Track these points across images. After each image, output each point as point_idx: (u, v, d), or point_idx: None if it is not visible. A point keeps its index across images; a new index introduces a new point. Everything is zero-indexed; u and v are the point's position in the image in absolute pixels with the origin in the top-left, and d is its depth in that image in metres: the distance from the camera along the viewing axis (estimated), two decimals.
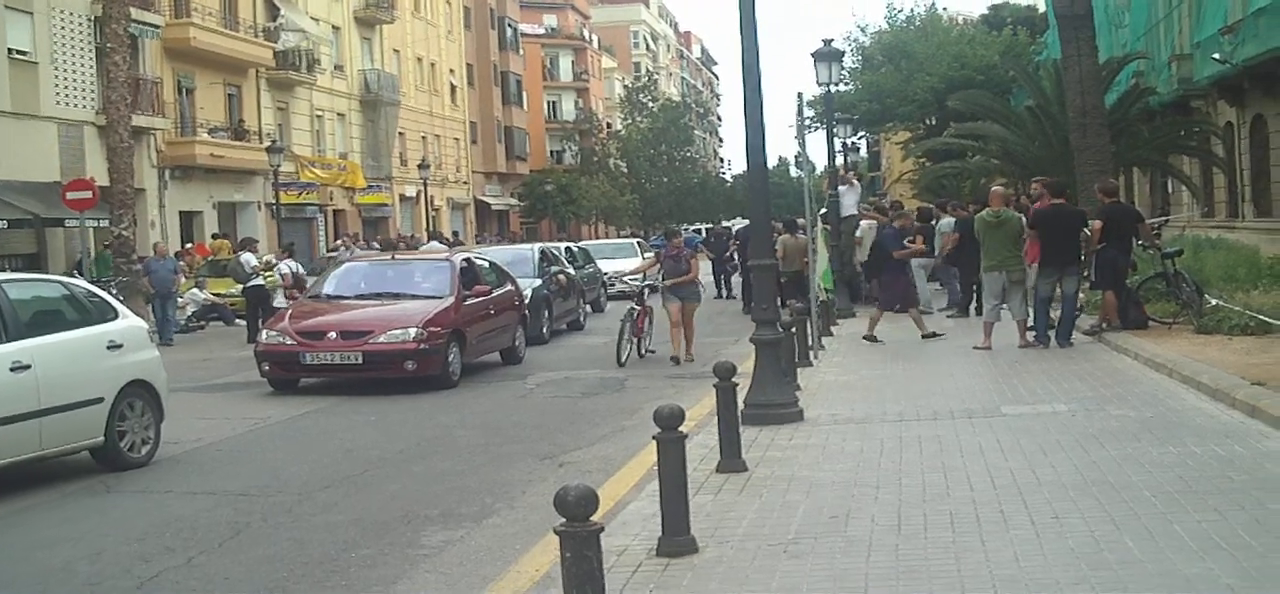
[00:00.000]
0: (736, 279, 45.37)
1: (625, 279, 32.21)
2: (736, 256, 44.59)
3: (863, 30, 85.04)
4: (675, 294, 26.71)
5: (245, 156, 62.14)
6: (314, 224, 71.84)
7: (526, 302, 29.99)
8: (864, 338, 26.08)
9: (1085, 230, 23.83)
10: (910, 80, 73.91)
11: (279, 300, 33.02)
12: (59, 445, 15.52)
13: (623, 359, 26.26)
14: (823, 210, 35.26)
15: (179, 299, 38.88)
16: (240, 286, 36.90)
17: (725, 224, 66.80)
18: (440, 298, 25.16)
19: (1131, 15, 53.08)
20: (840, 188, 37.20)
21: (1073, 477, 11.91)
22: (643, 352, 27.74)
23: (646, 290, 28.49)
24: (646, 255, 45.63)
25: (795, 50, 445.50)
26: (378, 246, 57.25)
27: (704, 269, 34.33)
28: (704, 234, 62.89)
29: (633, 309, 27.58)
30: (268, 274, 36.56)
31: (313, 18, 72.82)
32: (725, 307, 42.00)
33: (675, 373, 24.44)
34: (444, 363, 23.92)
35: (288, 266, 33.90)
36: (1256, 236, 38.73)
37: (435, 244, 57.79)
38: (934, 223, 34.12)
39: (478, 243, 74.86)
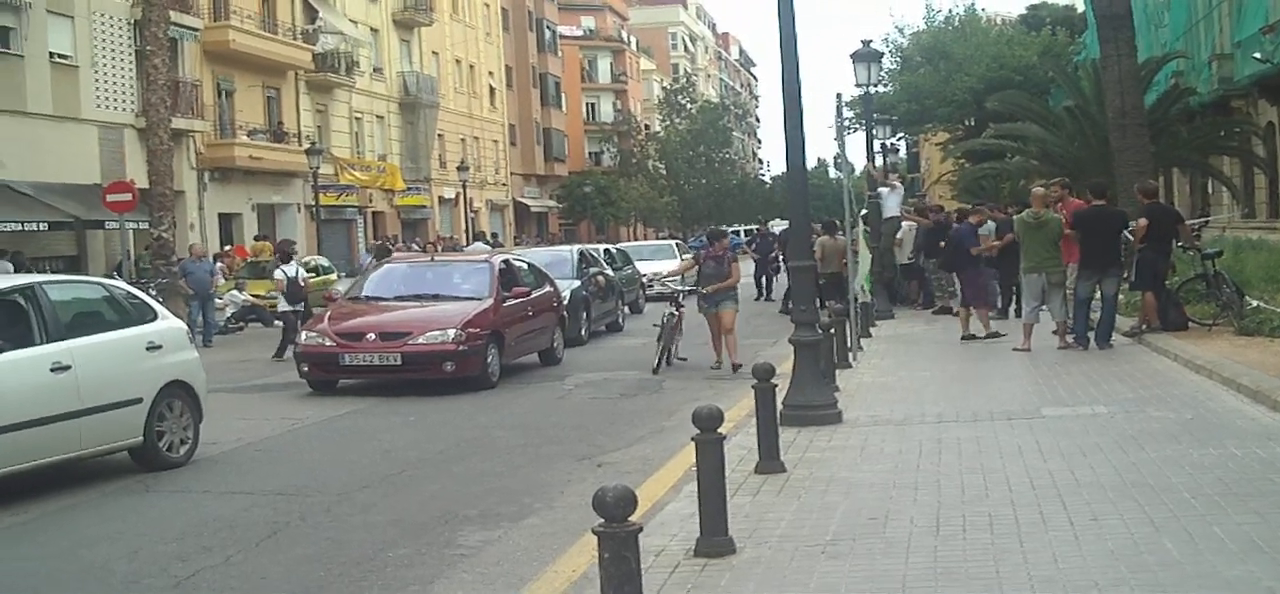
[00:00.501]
0: (779, 279, 45.35)
1: (663, 280, 32.57)
2: (780, 258, 44.55)
3: (901, 31, 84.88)
4: (709, 301, 25.57)
5: (284, 159, 62.37)
6: (353, 226, 72.01)
7: (565, 303, 29.98)
8: (963, 339, 25.83)
9: (1127, 233, 23.76)
10: (949, 81, 73.73)
11: (282, 304, 32.38)
12: (98, 445, 15.57)
13: (657, 367, 25.46)
14: (863, 212, 35.22)
15: (218, 301, 38.90)
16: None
17: (771, 225, 66.63)
18: (479, 299, 25.15)
19: (1171, 14, 52.89)
20: (881, 189, 37.11)
21: (1112, 478, 11.86)
22: (673, 359, 26.28)
23: (681, 294, 28.01)
24: (685, 256, 44.97)
25: (834, 50, 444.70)
26: (417, 246, 57.39)
27: (746, 269, 34.29)
28: (744, 236, 62.85)
29: (670, 314, 26.48)
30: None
31: (351, 20, 73.05)
32: (764, 308, 41.91)
33: (714, 375, 24.36)
34: (483, 364, 23.93)
35: (282, 273, 33.07)
36: None
37: (480, 245, 57.92)
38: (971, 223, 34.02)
39: (516, 244, 74.91)
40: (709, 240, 27.38)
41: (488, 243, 65.76)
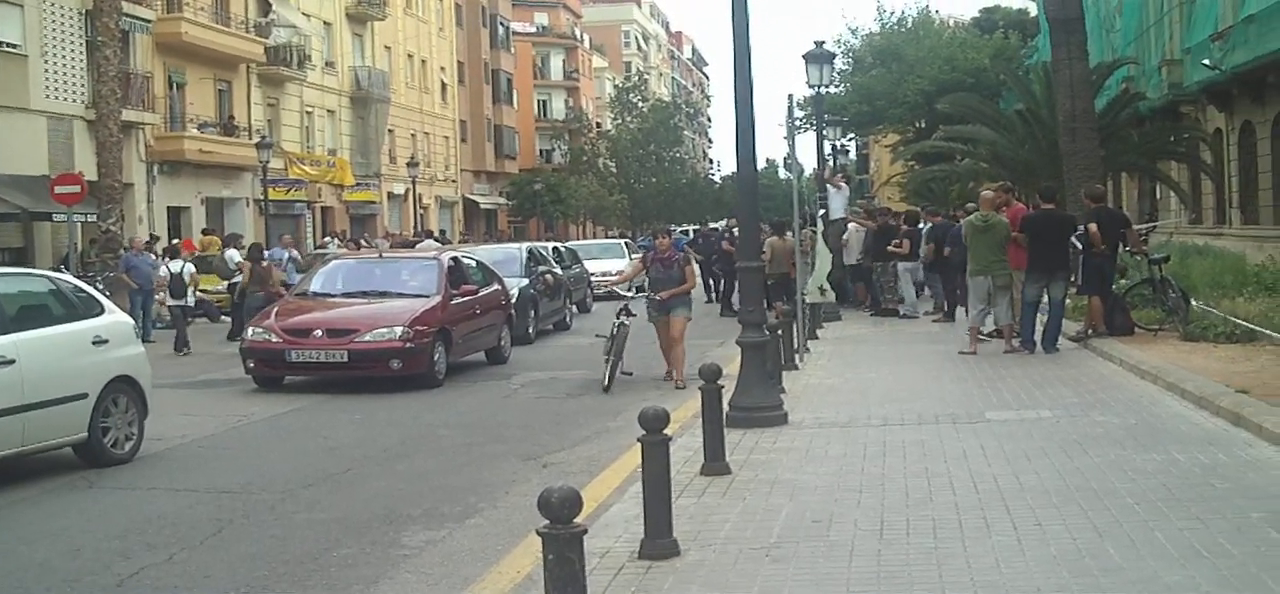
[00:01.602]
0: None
1: (607, 284, 31.08)
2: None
3: (853, 33, 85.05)
4: (659, 308, 23.06)
5: (234, 152, 62.14)
6: (302, 221, 71.73)
7: (513, 301, 29.96)
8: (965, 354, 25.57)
9: (1075, 239, 23.85)
10: (901, 83, 73.92)
11: (168, 299, 33.34)
12: (42, 441, 15.48)
13: (608, 385, 22.60)
14: (822, 212, 35.29)
15: (158, 295, 38.73)
16: (225, 283, 36.84)
17: (713, 225, 66.41)
18: (427, 297, 25.13)
19: (1123, 20, 53.18)
20: (828, 188, 37.19)
21: (1056, 483, 11.91)
22: (620, 371, 23.46)
23: (628, 303, 24.54)
24: (634, 257, 44.21)
25: (786, 50, 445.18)
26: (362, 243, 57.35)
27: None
28: (692, 235, 62.65)
29: (619, 324, 23.41)
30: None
31: (304, 13, 72.79)
32: (711, 308, 41.88)
33: (660, 375, 24.30)
34: (430, 362, 23.91)
35: (166, 268, 34.06)
36: (1243, 244, 38.83)
37: (431, 241, 57.90)
38: (920, 227, 34.20)
39: (463, 242, 74.77)
40: (654, 239, 25.29)
41: (437, 239, 65.67)
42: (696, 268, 29.44)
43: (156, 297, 35.64)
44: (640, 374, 23.94)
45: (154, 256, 38.29)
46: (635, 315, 23.88)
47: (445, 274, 26.02)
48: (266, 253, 36.25)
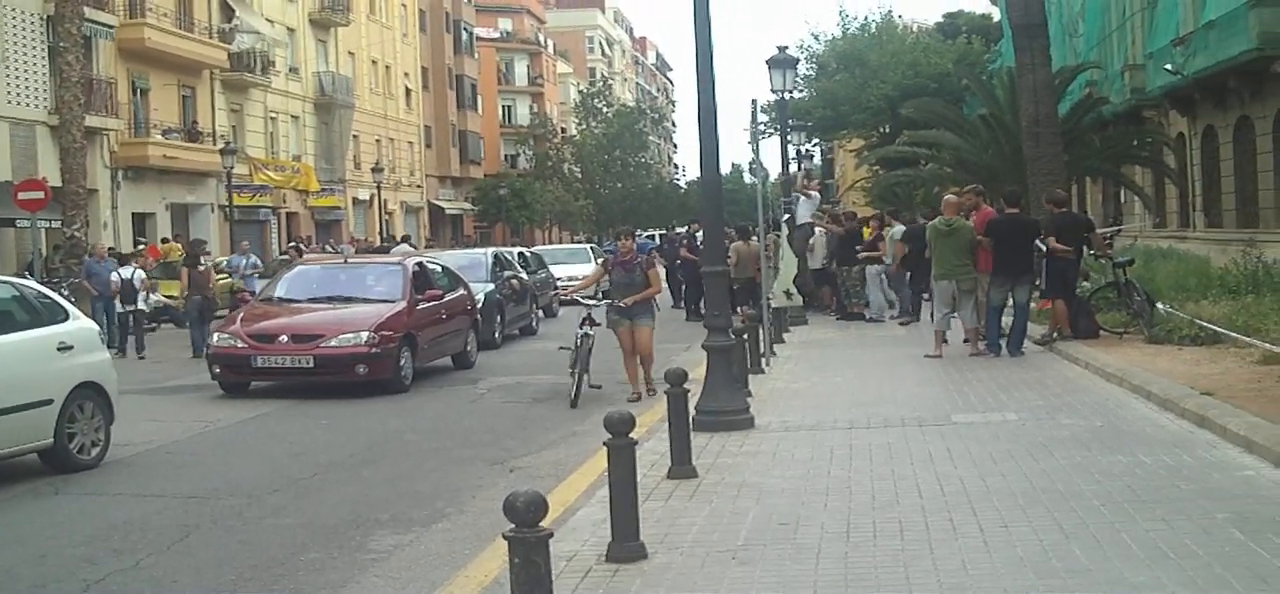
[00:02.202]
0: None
1: (570, 293, 28.13)
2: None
3: (817, 38, 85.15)
4: (623, 314, 21.45)
5: (199, 158, 62.10)
6: (267, 227, 71.71)
7: (479, 306, 29.94)
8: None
9: (1039, 243, 23.90)
10: (864, 88, 74.07)
11: (118, 306, 33.88)
12: (7, 447, 15.42)
13: (576, 399, 21.06)
14: (787, 217, 35.33)
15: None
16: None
17: (677, 230, 66.34)
18: (392, 302, 25.09)
19: (1085, 24, 53.42)
20: (796, 195, 37.25)
21: (1022, 485, 11.94)
22: (586, 386, 21.78)
23: (591, 311, 22.69)
24: (597, 263, 43.54)
25: (749, 55, 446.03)
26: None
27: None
28: (657, 240, 62.56)
29: (583, 335, 21.72)
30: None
31: (268, 19, 72.81)
32: (676, 313, 41.83)
33: (624, 380, 24.17)
34: (396, 367, 23.86)
35: (117, 275, 34.73)
36: (1207, 247, 39.03)
37: (406, 246, 57.92)
38: (885, 230, 34.35)
39: (428, 247, 74.72)
40: (616, 238, 23.54)
41: (410, 245, 65.80)
42: (661, 271, 27.53)
43: (169, 299, 35.94)
44: (609, 387, 22.35)
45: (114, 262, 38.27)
46: (599, 325, 22.26)
47: (410, 279, 25.98)
48: (226, 261, 36.40)
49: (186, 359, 31.30)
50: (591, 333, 21.86)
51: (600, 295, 24.70)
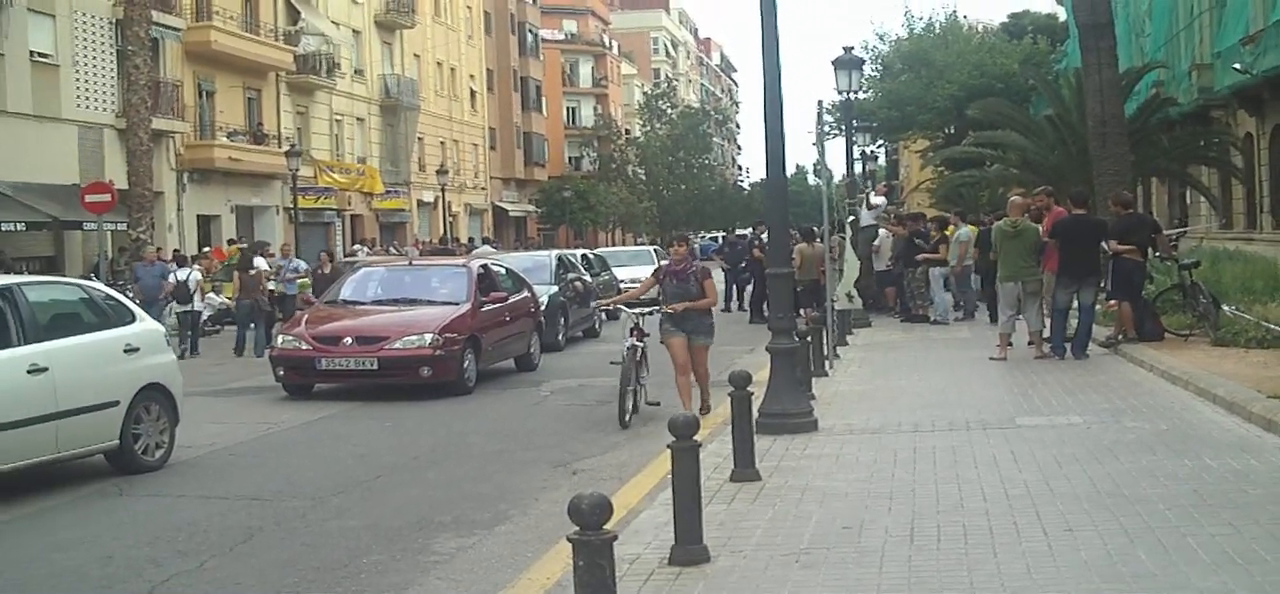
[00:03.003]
0: (750, 289, 43.95)
1: (613, 302, 25.90)
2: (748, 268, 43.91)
3: (882, 39, 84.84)
4: (678, 325, 19.22)
5: (264, 160, 62.31)
6: (331, 229, 71.88)
7: (542, 309, 29.96)
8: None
9: (1104, 245, 23.77)
10: (930, 88, 73.74)
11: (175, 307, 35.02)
12: (75, 448, 15.53)
13: (626, 419, 19.16)
14: (851, 218, 35.29)
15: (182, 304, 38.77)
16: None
17: (740, 232, 66.15)
18: (457, 304, 25.12)
19: (1152, 24, 53.02)
20: (877, 198, 37.21)
21: (1087, 489, 11.88)
22: (639, 403, 19.94)
23: (642, 320, 20.35)
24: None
25: (815, 57, 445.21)
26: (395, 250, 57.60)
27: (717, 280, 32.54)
28: (719, 242, 62.39)
29: (633, 348, 19.73)
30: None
31: (333, 22, 73.01)
32: (737, 316, 41.76)
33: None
34: (459, 369, 23.90)
35: (174, 276, 35.32)
36: (1274, 249, 38.64)
37: (488, 247, 58.16)
38: (949, 232, 34.28)
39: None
40: (667, 246, 20.86)
41: (493, 246, 66.28)
42: (720, 276, 24.62)
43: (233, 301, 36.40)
44: (670, 402, 19.45)
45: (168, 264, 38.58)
46: (650, 335, 20.20)
47: (475, 282, 26.00)
48: (282, 262, 36.83)
49: (246, 360, 31.56)
50: (640, 344, 19.84)
51: (649, 311, 21.09)
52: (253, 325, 34.11)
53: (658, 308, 19.88)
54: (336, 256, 44.49)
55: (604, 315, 36.82)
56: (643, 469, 15.23)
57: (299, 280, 36.29)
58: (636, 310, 20.55)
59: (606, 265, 45.66)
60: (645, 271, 43.75)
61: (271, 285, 36.17)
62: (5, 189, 43.70)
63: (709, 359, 20.01)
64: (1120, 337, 23.81)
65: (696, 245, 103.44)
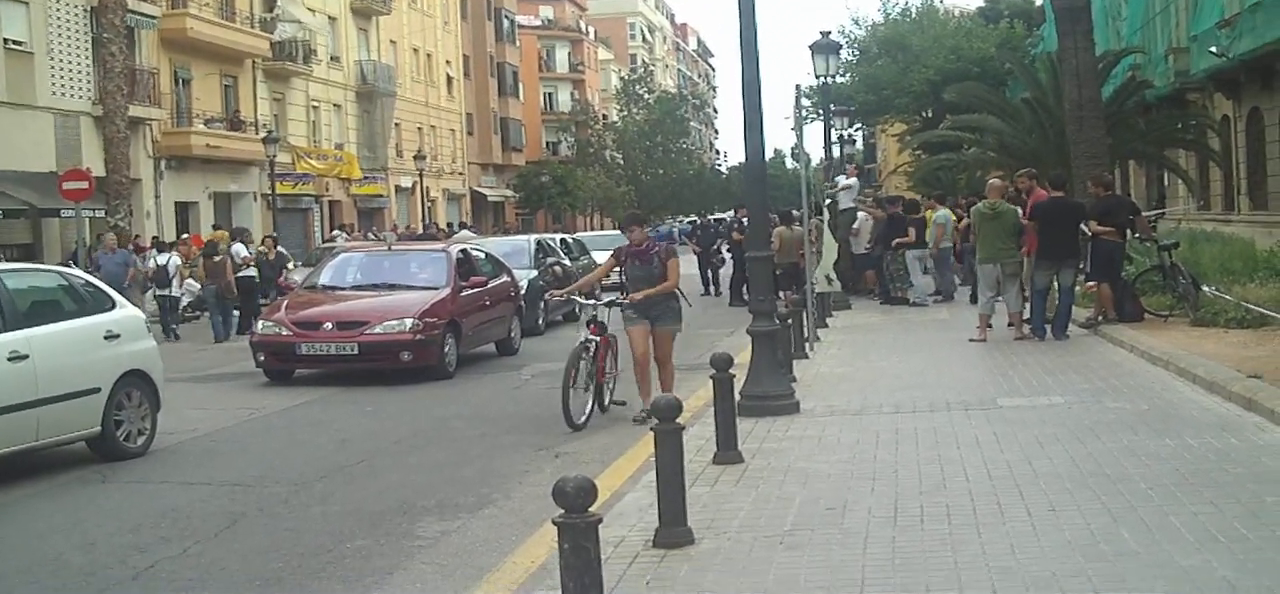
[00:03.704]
0: (724, 273, 44.37)
1: (565, 292, 22.75)
2: (724, 251, 43.84)
3: (858, 23, 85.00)
4: (640, 312, 17.64)
5: (241, 147, 62.21)
6: (309, 215, 71.91)
7: (522, 293, 29.94)
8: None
9: (1084, 227, 23.80)
10: (907, 72, 73.95)
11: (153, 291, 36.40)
12: (56, 435, 15.49)
13: (578, 419, 17.35)
14: (829, 201, 35.33)
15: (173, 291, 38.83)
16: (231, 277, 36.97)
17: (719, 216, 66.12)
18: (437, 289, 25.08)
19: (1129, 7, 53.15)
20: (839, 179, 37.22)
21: (1069, 469, 11.91)
22: (606, 403, 18.56)
23: (598, 310, 18.62)
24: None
25: (792, 41, 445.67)
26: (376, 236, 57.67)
27: (689, 263, 32.08)
28: (693, 225, 62.29)
29: (588, 342, 17.96)
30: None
31: (309, 8, 72.88)
32: (714, 301, 41.77)
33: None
34: (440, 354, 23.89)
35: (154, 261, 35.88)
36: (1252, 229, 38.80)
37: (468, 233, 58.18)
38: (923, 216, 34.40)
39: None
40: (623, 229, 19.38)
41: (472, 230, 66.32)
42: (683, 260, 21.65)
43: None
44: (632, 404, 18.49)
45: (137, 251, 38.83)
46: (608, 328, 18.48)
47: (454, 266, 25.98)
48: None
49: (226, 346, 31.67)
50: (594, 340, 18.04)
51: (604, 298, 19.95)
52: (221, 311, 34.52)
53: (617, 301, 18.17)
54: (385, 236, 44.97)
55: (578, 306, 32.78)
56: (626, 452, 15.24)
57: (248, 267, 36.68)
58: (592, 302, 18.97)
59: (585, 250, 45.61)
60: None
61: (251, 272, 36.33)
62: None
63: (675, 349, 18.29)
64: (1100, 318, 23.86)
65: (673, 229, 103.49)
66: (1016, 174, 27.86)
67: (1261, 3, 36.47)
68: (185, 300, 40.57)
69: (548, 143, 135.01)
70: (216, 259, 34.89)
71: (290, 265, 41.58)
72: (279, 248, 40.51)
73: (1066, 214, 23.55)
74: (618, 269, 18.74)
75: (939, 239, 33.17)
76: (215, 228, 54.88)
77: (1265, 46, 36.55)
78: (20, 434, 14.85)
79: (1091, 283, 24.61)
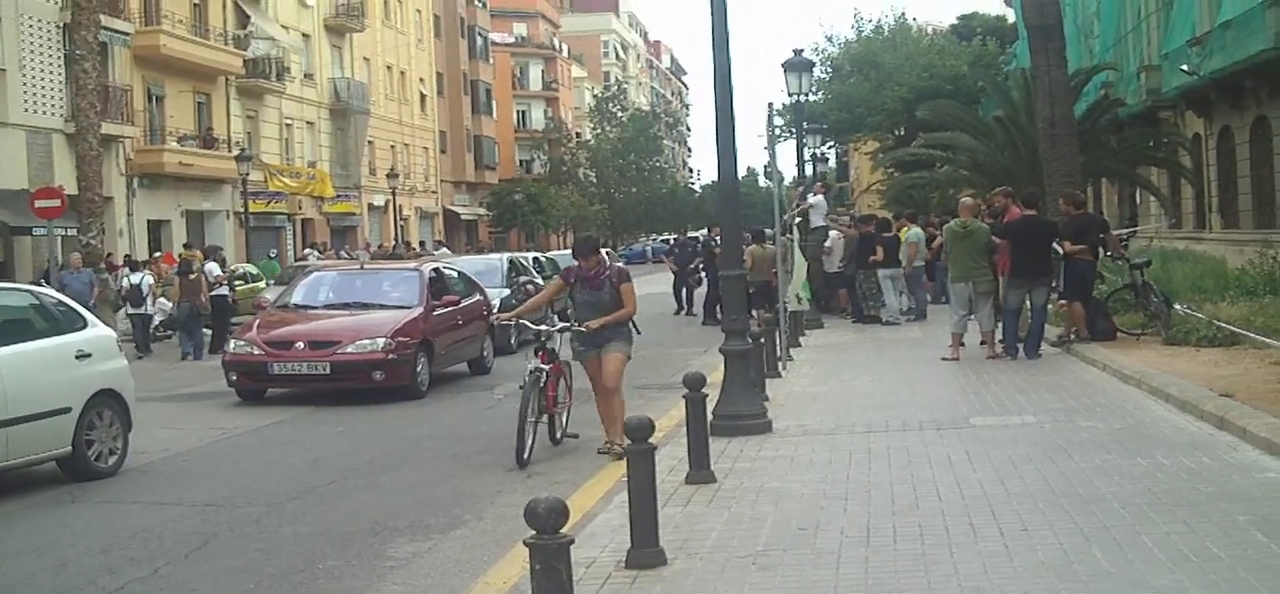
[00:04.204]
0: (699, 293, 44.02)
1: (512, 316, 18.72)
2: (702, 269, 43.68)
3: (831, 40, 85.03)
4: (590, 343, 16.56)
5: (214, 165, 62.14)
6: (282, 233, 71.73)
7: (495, 311, 29.87)
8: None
9: (1056, 245, 23.83)
10: (879, 90, 73.97)
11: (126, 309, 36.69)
12: (26, 455, 15.44)
13: (525, 454, 16.15)
14: (798, 220, 35.37)
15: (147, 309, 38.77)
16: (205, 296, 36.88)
17: (692, 235, 65.95)
18: (409, 308, 25.05)
19: (1101, 25, 53.36)
20: (810, 199, 37.21)
21: (1041, 488, 11.92)
22: (558, 435, 17.71)
23: (546, 336, 17.22)
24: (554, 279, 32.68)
25: (764, 59, 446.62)
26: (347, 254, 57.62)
27: (666, 282, 31.76)
28: (671, 243, 62.19)
29: (538, 372, 16.72)
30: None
31: (283, 26, 72.83)
32: (688, 320, 41.76)
33: (642, 385, 24.07)
34: (412, 373, 23.85)
35: (128, 280, 36.13)
36: (1223, 248, 38.93)
37: (444, 251, 58.20)
38: (899, 234, 34.48)
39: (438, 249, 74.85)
40: (575, 255, 17.38)
41: (447, 250, 66.55)
42: (659, 278, 20.07)
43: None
44: (588, 438, 17.64)
45: (109, 270, 38.93)
46: (558, 355, 17.35)
47: (427, 285, 25.94)
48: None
49: (197, 365, 31.65)
50: (543, 369, 16.80)
51: (553, 324, 18.01)
52: (192, 329, 34.88)
53: (569, 328, 16.83)
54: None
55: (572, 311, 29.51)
56: (598, 473, 15.20)
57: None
58: (541, 327, 17.33)
59: (558, 268, 45.50)
60: None
61: (223, 291, 36.30)
62: None
63: (623, 373, 16.85)
64: (1073, 336, 23.88)
65: (648, 248, 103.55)
66: (992, 192, 27.91)
67: (1232, 21, 36.61)
68: (157, 319, 40.48)
69: (521, 161, 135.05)
70: (191, 277, 34.95)
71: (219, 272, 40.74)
72: (210, 262, 39.84)
73: (1039, 233, 23.60)
74: (566, 289, 17.14)
75: (912, 257, 33.23)
76: (186, 246, 54.81)
77: (1235, 65, 36.71)
78: None
79: (1062, 301, 24.65)
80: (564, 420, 17.89)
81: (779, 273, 27.51)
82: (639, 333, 17.11)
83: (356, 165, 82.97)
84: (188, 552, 12.17)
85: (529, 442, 16.22)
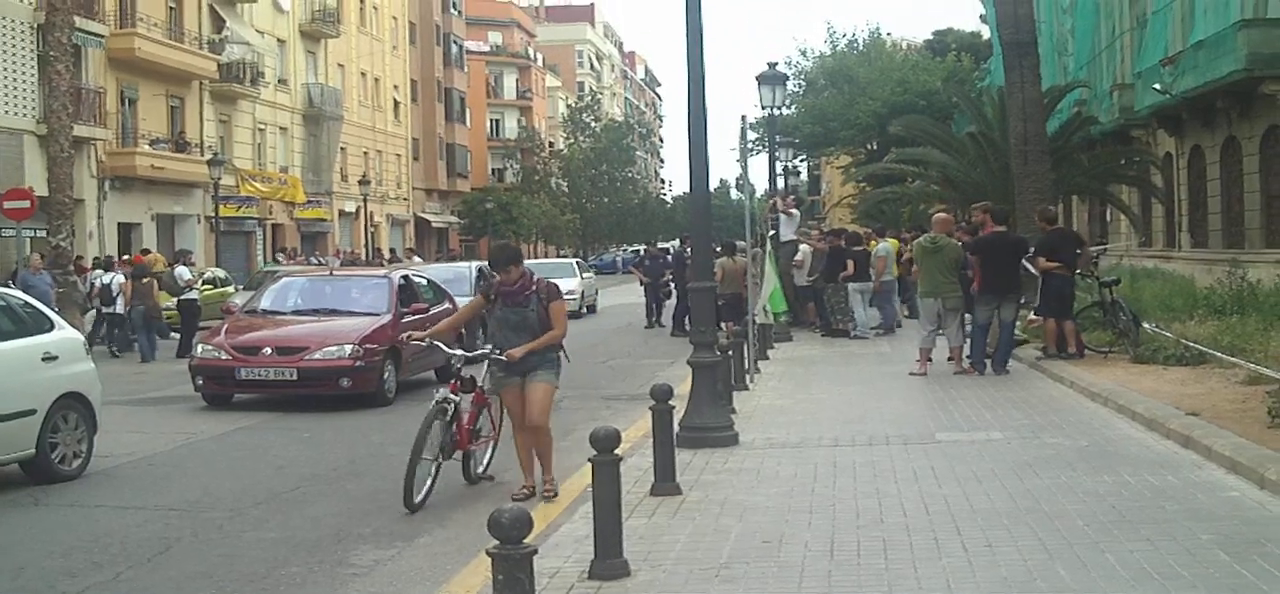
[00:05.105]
0: (669, 305, 43.43)
1: (424, 335, 16.63)
2: (672, 281, 43.47)
3: (805, 54, 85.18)
4: (512, 371, 14.19)
5: (186, 169, 61.97)
6: (252, 238, 71.65)
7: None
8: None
9: (1026, 263, 23.84)
10: (852, 104, 74.15)
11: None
12: None
13: (417, 497, 13.99)
14: (772, 233, 35.39)
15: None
16: (174, 299, 36.79)
17: (661, 246, 65.73)
18: (377, 315, 25.00)
19: (1075, 43, 53.51)
20: (780, 215, 37.20)
21: (1006, 504, 11.92)
22: (475, 474, 15.64)
23: (460, 364, 15.17)
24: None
25: (737, 72, 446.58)
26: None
27: (631, 294, 31.71)
28: (640, 254, 62.08)
29: (445, 403, 14.63)
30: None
31: (258, 30, 72.68)
32: (657, 331, 41.75)
33: (611, 395, 24.04)
34: (380, 381, 23.79)
35: (99, 280, 36.53)
36: (1192, 267, 39.07)
37: (417, 259, 58.15)
38: (868, 248, 34.54)
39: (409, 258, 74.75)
40: (491, 267, 15.28)
41: (420, 259, 66.47)
42: (628, 289, 18.56)
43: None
44: (507, 478, 15.64)
45: (78, 272, 38.92)
46: (475, 382, 14.99)
47: (395, 292, 25.90)
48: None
49: (161, 369, 31.52)
50: (452, 400, 14.74)
51: (466, 349, 17.09)
52: (146, 331, 35.01)
53: (490, 354, 14.44)
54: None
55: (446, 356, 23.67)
56: (563, 482, 15.14)
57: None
58: (458, 353, 15.62)
59: None
60: (569, 284, 43.34)
61: (193, 294, 36.27)
62: None
63: (550, 409, 14.60)
64: (1054, 352, 23.86)
65: (620, 257, 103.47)
66: (972, 207, 27.97)
67: (1204, 41, 36.73)
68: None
69: (494, 169, 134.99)
70: (144, 281, 35.28)
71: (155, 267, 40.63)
72: (180, 266, 39.52)
73: (1008, 249, 23.63)
74: (487, 305, 14.82)
75: (881, 271, 33.27)
76: (144, 251, 54.66)
77: (1207, 85, 36.84)
78: None
79: (1036, 318, 24.70)
80: (488, 458, 15.94)
81: (749, 285, 27.50)
82: (568, 360, 14.98)
83: (328, 171, 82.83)
84: (150, 556, 12.12)
85: (426, 483, 14.28)
